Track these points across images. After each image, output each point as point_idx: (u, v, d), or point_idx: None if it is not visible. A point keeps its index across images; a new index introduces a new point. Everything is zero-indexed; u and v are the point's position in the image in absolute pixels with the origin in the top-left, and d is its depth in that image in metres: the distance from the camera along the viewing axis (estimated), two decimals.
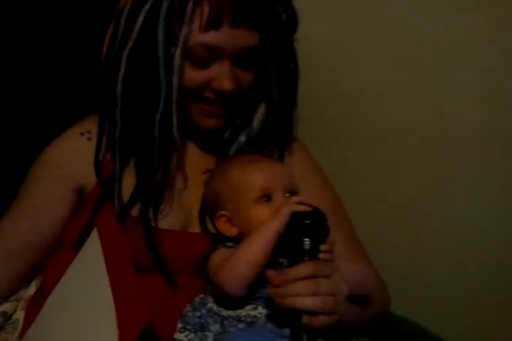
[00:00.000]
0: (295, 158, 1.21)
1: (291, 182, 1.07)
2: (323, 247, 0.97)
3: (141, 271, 1.04)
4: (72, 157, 1.15)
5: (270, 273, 0.96)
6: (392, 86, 1.61)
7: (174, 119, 1.10)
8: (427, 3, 1.58)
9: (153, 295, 1.04)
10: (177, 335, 1.03)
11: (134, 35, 1.08)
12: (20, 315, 1.12)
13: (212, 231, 1.10)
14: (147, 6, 1.07)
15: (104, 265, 1.03)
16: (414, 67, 1.61)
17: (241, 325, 0.99)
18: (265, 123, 1.17)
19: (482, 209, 1.65)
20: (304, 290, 0.93)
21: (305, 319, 0.92)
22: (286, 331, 0.96)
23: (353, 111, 1.63)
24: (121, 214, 1.09)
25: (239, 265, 0.98)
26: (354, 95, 1.62)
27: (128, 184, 1.11)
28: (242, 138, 1.17)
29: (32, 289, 1.14)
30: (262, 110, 1.17)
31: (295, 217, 0.98)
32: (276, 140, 1.19)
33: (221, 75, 1.08)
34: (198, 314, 1.03)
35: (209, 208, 1.11)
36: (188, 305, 1.05)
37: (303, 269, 0.94)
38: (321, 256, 0.96)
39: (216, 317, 1.01)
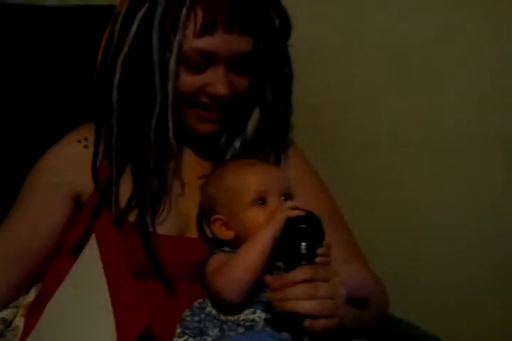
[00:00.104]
0: (291, 163, 1.21)
1: (286, 186, 1.08)
2: (319, 251, 0.97)
3: (140, 276, 1.04)
4: (69, 164, 1.15)
5: (268, 277, 0.96)
6: (387, 90, 1.62)
7: (170, 124, 1.10)
8: (422, 5, 1.58)
9: (151, 301, 1.04)
10: (176, 340, 1.02)
11: (128, 41, 1.08)
12: (20, 322, 1.12)
13: (210, 236, 1.10)
14: (141, 12, 1.08)
15: (102, 271, 1.03)
16: (410, 70, 1.61)
17: (240, 329, 0.99)
18: (259, 128, 1.18)
19: (481, 212, 1.66)
20: (302, 294, 0.93)
21: (307, 322, 0.92)
22: (285, 335, 0.97)
23: (347, 116, 1.63)
24: (118, 220, 1.09)
25: (236, 271, 0.99)
26: (349, 99, 1.62)
27: (125, 190, 1.12)
28: (237, 144, 1.18)
29: (31, 296, 1.14)
30: (255, 115, 1.17)
31: (290, 222, 0.98)
32: (271, 144, 1.19)
33: (216, 80, 1.09)
34: (196, 318, 1.03)
35: (205, 212, 1.11)
36: (187, 309, 1.05)
37: (301, 273, 0.94)
38: (317, 259, 0.96)
39: (215, 321, 1.02)
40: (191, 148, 1.20)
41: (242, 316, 1.00)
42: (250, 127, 1.17)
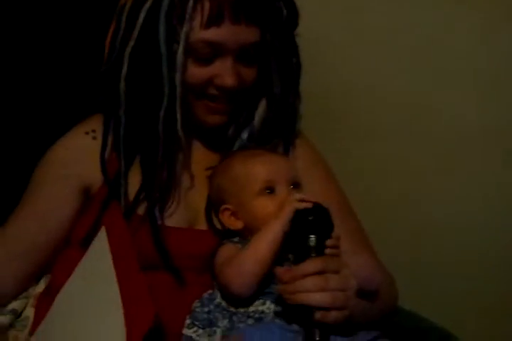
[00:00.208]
0: (299, 153, 1.21)
1: (294, 175, 1.08)
2: (328, 242, 0.97)
3: (149, 268, 1.05)
4: (77, 156, 1.15)
5: (279, 270, 0.96)
6: (394, 80, 1.61)
7: (178, 116, 1.10)
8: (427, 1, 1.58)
9: (161, 292, 1.05)
10: (185, 331, 1.03)
11: (135, 33, 1.08)
12: (30, 312, 1.13)
13: (219, 227, 1.10)
14: (148, 4, 1.08)
15: (111, 263, 1.03)
16: (415, 62, 1.61)
17: (250, 321, 0.99)
18: (267, 119, 1.17)
19: (484, 203, 1.66)
20: (313, 286, 0.92)
21: (318, 314, 0.92)
22: (295, 327, 0.96)
23: (355, 106, 1.63)
24: (127, 213, 1.09)
25: (245, 264, 0.98)
26: (356, 90, 1.61)
27: (134, 182, 1.12)
28: (245, 135, 1.17)
29: (41, 286, 1.15)
30: (262, 106, 1.17)
31: (298, 215, 0.98)
32: (279, 135, 1.19)
33: (224, 72, 1.09)
34: (206, 309, 1.03)
35: (213, 203, 1.11)
36: (197, 300, 1.05)
37: (311, 265, 0.94)
38: (327, 251, 0.96)
39: (225, 312, 1.02)
40: (199, 140, 1.19)
41: (251, 308, 1.00)
42: (257, 118, 1.17)
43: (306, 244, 0.95)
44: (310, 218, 0.97)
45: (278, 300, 0.98)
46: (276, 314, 0.99)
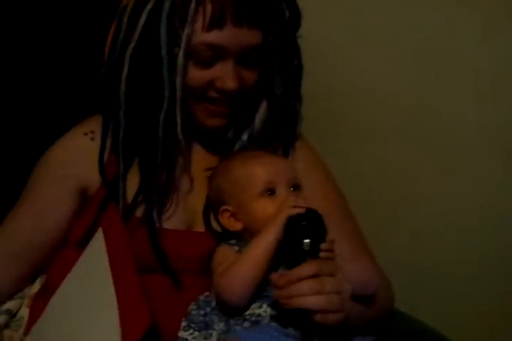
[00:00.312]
0: (298, 155, 1.20)
1: (294, 176, 1.07)
2: (323, 246, 0.96)
3: (146, 270, 1.05)
4: (76, 157, 1.14)
5: (274, 275, 0.95)
6: (395, 82, 1.61)
7: (178, 119, 1.09)
8: (428, 2, 1.57)
9: (158, 295, 1.05)
10: (181, 333, 1.02)
11: (136, 35, 1.07)
12: (24, 313, 1.13)
13: (217, 229, 1.10)
14: (150, 5, 1.07)
15: (108, 264, 1.03)
16: (416, 63, 1.61)
17: (246, 324, 0.99)
18: (267, 121, 1.17)
19: (483, 205, 1.66)
20: (308, 289, 0.92)
21: (318, 316, 0.92)
22: (291, 330, 0.96)
23: (355, 109, 1.63)
24: (125, 215, 1.08)
25: (239, 276, 0.98)
26: (357, 91, 1.61)
27: (132, 184, 1.11)
28: (245, 137, 1.17)
29: (36, 287, 1.14)
30: (263, 108, 1.16)
31: (291, 221, 0.98)
32: (279, 137, 1.18)
33: (225, 75, 1.08)
34: (202, 312, 1.03)
35: (212, 204, 1.11)
36: (193, 303, 1.05)
37: (306, 269, 0.94)
38: (321, 255, 0.96)
39: (221, 315, 1.01)
40: (199, 143, 1.19)
41: (248, 311, 0.99)
42: (258, 120, 1.17)
43: (301, 249, 0.95)
44: (303, 223, 0.97)
45: (274, 305, 0.98)
46: (273, 317, 0.98)
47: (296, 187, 1.06)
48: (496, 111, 1.62)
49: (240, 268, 0.98)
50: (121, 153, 1.11)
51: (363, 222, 1.22)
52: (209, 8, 1.04)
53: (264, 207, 1.03)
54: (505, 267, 1.65)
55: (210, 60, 1.07)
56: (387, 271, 1.18)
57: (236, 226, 1.06)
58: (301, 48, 1.17)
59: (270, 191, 1.04)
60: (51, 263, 1.13)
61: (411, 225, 1.66)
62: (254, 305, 0.99)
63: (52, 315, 1.06)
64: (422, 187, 1.66)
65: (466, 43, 1.59)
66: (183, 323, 1.03)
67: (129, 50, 1.08)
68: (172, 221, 1.10)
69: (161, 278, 1.06)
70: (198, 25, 1.05)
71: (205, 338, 1.01)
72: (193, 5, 1.04)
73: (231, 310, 1.00)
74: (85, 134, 1.16)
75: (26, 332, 1.09)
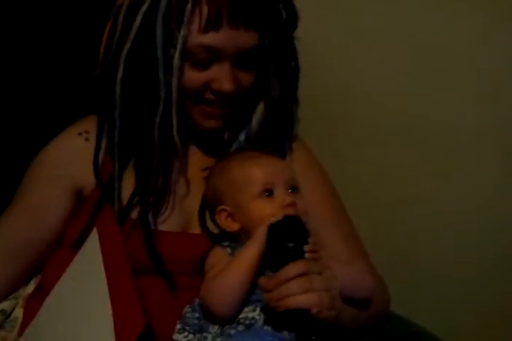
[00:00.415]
0: (295, 156, 1.20)
1: (292, 178, 1.07)
2: (306, 248, 0.96)
3: (141, 272, 1.04)
4: (70, 157, 1.14)
5: (261, 280, 0.95)
6: (392, 84, 1.61)
7: (174, 121, 1.09)
8: (427, 2, 1.57)
9: (152, 297, 1.04)
10: (176, 336, 1.02)
11: (132, 36, 1.06)
12: (19, 313, 1.12)
13: (213, 230, 1.10)
14: (145, 6, 1.06)
15: (102, 265, 1.03)
16: (414, 64, 1.60)
17: (240, 327, 0.98)
18: (264, 122, 1.16)
19: (481, 207, 1.66)
20: (298, 288, 0.92)
21: (314, 310, 0.91)
22: (285, 334, 0.96)
23: (352, 111, 1.62)
24: (120, 217, 1.08)
25: (224, 292, 0.98)
26: (353, 94, 1.61)
27: (128, 185, 1.11)
28: (242, 137, 1.16)
29: (31, 287, 1.14)
30: (260, 109, 1.16)
31: (272, 229, 0.98)
32: (276, 138, 1.18)
33: (221, 76, 1.07)
34: (197, 315, 1.02)
35: (209, 204, 1.10)
36: (188, 305, 1.04)
37: (293, 268, 0.93)
38: (306, 255, 0.96)
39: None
40: (195, 145, 1.18)
41: (242, 314, 0.99)
42: (255, 121, 1.16)
43: (286, 253, 0.96)
44: (284, 229, 0.97)
45: (266, 309, 0.97)
46: (266, 321, 0.98)
47: (294, 188, 1.06)
48: (495, 112, 1.62)
49: (224, 285, 0.98)
50: (116, 155, 1.11)
51: (360, 224, 1.22)
52: (205, 9, 1.04)
53: (262, 208, 1.03)
54: (503, 269, 1.65)
55: (206, 62, 1.07)
56: (383, 273, 1.18)
57: (233, 226, 1.06)
58: (297, 50, 1.16)
59: (268, 192, 1.04)
60: (46, 264, 1.13)
61: (408, 227, 1.66)
62: (247, 309, 0.99)
63: (46, 316, 1.06)
64: (421, 189, 1.66)
65: (466, 44, 1.59)
66: (178, 326, 1.03)
67: (124, 51, 1.07)
68: (167, 223, 1.10)
69: (155, 279, 1.06)
70: (194, 26, 1.04)
71: None
72: (189, 6, 1.03)
73: (220, 320, 1.00)
74: (80, 134, 1.15)
75: (20, 333, 1.09)
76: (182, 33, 1.04)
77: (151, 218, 1.08)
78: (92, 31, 1.17)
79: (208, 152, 1.18)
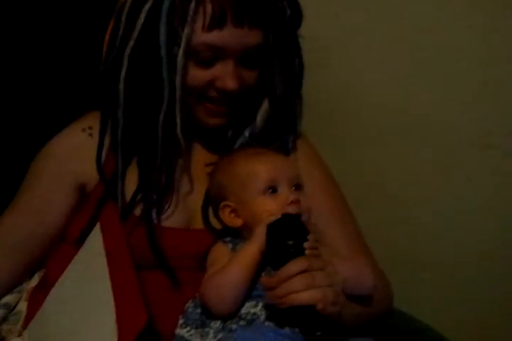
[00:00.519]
0: (299, 154, 1.20)
1: (296, 175, 1.07)
2: (306, 245, 0.96)
3: (144, 268, 1.05)
4: (73, 153, 1.14)
5: (263, 278, 0.96)
6: (393, 83, 1.61)
7: (178, 119, 1.09)
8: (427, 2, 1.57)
9: (155, 292, 1.05)
10: (178, 331, 1.02)
11: (135, 34, 1.06)
12: (23, 307, 1.13)
13: (216, 225, 1.10)
14: (148, 4, 1.05)
15: (105, 260, 1.03)
16: (415, 64, 1.60)
17: (241, 323, 0.99)
18: (269, 119, 1.16)
19: (482, 206, 1.66)
20: (300, 285, 0.92)
21: (320, 306, 0.91)
22: (287, 330, 0.96)
23: (352, 110, 1.62)
24: (124, 214, 1.08)
25: (224, 290, 0.98)
26: (353, 94, 1.61)
27: (131, 181, 1.11)
28: (247, 133, 1.16)
29: (34, 281, 1.15)
30: (265, 107, 1.16)
31: (271, 229, 0.98)
32: (280, 136, 1.18)
33: (225, 75, 1.07)
34: (199, 310, 1.02)
35: (213, 200, 1.10)
36: (190, 301, 1.04)
37: (294, 265, 0.94)
38: (307, 252, 0.96)
39: None
40: (199, 142, 1.18)
41: (244, 309, 0.99)
42: (259, 118, 1.16)
43: (286, 251, 0.96)
44: (282, 227, 0.98)
45: (268, 306, 0.98)
46: (268, 317, 0.98)
47: (297, 186, 1.06)
48: (495, 112, 1.61)
49: (224, 284, 0.98)
50: (120, 152, 1.11)
51: (362, 222, 1.22)
52: (209, 7, 1.03)
53: (265, 205, 1.03)
54: (506, 267, 1.65)
55: (210, 60, 1.06)
56: (386, 270, 1.18)
57: (236, 222, 1.06)
58: (301, 47, 1.15)
59: (272, 189, 1.04)
60: (50, 258, 1.14)
61: (411, 224, 1.66)
62: (249, 304, 0.99)
63: (50, 310, 1.06)
64: (421, 188, 1.66)
65: (467, 44, 1.58)
66: (180, 321, 1.03)
67: (128, 50, 1.07)
68: (170, 220, 1.10)
69: (158, 275, 1.06)
70: (198, 25, 1.04)
71: (201, 336, 1.00)
72: (192, 4, 1.03)
73: (218, 316, 1.00)
74: (83, 130, 1.15)
75: (24, 326, 1.10)
76: (186, 31, 1.03)
77: (154, 215, 1.08)
78: (97, 27, 1.17)
79: (211, 149, 1.18)
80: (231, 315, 0.99)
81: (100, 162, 1.11)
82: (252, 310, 0.99)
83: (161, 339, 1.02)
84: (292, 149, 1.19)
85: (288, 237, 0.96)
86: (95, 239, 1.07)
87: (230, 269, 0.99)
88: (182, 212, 1.12)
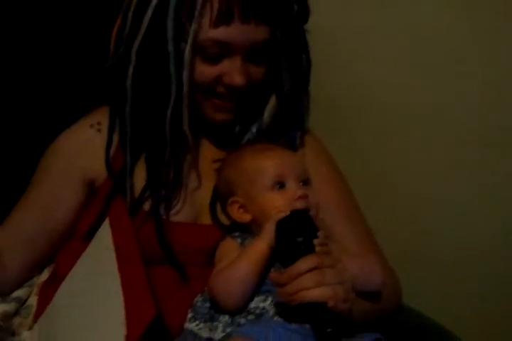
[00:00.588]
0: (307, 149, 1.19)
1: (304, 171, 1.07)
2: (316, 241, 0.96)
3: (153, 262, 1.05)
4: (82, 149, 1.15)
5: (273, 275, 0.96)
6: (399, 79, 1.60)
7: (185, 115, 1.09)
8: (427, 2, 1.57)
9: (164, 286, 1.05)
10: (187, 325, 1.03)
11: (142, 30, 1.06)
12: (33, 301, 1.14)
13: (224, 221, 1.10)
14: (155, 0, 1.05)
15: (114, 255, 1.04)
16: (417, 61, 1.60)
17: (250, 317, 0.99)
18: (276, 115, 1.16)
19: (490, 204, 1.66)
20: (311, 282, 0.92)
21: (331, 303, 0.91)
22: (296, 326, 0.96)
23: (359, 107, 1.62)
24: (132, 209, 1.09)
25: (232, 285, 0.99)
26: (361, 91, 1.61)
27: (140, 177, 1.11)
28: (254, 129, 1.16)
29: (44, 276, 1.16)
30: (272, 103, 1.16)
31: (280, 225, 0.98)
32: (288, 131, 1.17)
33: (232, 71, 1.07)
34: (208, 304, 1.03)
35: (221, 195, 1.11)
36: (199, 295, 1.05)
37: (305, 263, 0.94)
38: (317, 249, 0.96)
39: None
40: (206, 138, 1.18)
41: (252, 303, 1.00)
42: (267, 114, 1.16)
43: (296, 247, 0.96)
44: (292, 224, 0.98)
45: (278, 304, 0.98)
46: (277, 312, 0.99)
47: (305, 181, 1.06)
48: (496, 111, 1.61)
49: (232, 279, 0.99)
50: (128, 148, 1.11)
51: (371, 218, 1.21)
52: (216, 3, 1.03)
53: (273, 201, 1.03)
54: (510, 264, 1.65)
55: (217, 56, 1.06)
56: (394, 266, 1.18)
57: (245, 217, 1.06)
58: (309, 43, 1.15)
59: (280, 184, 1.04)
60: (59, 253, 1.15)
61: (419, 220, 1.66)
62: (258, 299, 1.00)
63: (60, 304, 1.07)
64: (428, 185, 1.66)
65: (471, 42, 1.58)
66: (189, 315, 1.04)
67: (135, 45, 1.07)
68: (179, 215, 1.10)
69: (167, 269, 1.07)
70: (205, 20, 1.03)
71: (210, 330, 1.01)
72: (200, 0, 1.03)
73: (226, 310, 1.01)
74: (91, 126, 1.15)
75: (35, 320, 1.11)
76: (193, 27, 1.03)
77: (162, 210, 1.09)
78: (104, 23, 1.16)
79: (219, 145, 1.18)
80: (239, 309, 0.99)
81: (109, 158, 1.12)
82: (261, 305, 0.99)
83: (170, 334, 1.03)
84: (300, 145, 1.18)
85: (298, 234, 0.96)
86: (104, 234, 1.07)
87: (239, 264, 0.99)
88: (190, 207, 1.12)
